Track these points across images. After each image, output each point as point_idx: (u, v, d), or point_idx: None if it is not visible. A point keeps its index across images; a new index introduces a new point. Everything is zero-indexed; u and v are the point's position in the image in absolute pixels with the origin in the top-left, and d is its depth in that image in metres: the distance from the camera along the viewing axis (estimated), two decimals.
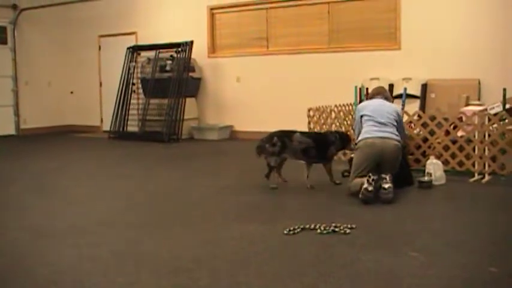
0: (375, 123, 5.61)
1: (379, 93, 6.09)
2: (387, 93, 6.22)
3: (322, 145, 6.03)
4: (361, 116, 5.79)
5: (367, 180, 5.09)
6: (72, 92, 14.14)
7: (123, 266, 3.53)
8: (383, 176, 5.14)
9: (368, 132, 5.59)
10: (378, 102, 5.89)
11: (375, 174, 5.14)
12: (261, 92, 11.18)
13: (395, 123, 5.66)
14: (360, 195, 5.09)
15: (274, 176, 6.11)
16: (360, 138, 5.65)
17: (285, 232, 4.15)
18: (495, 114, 6.32)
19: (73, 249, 3.90)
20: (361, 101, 7.79)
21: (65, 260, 3.69)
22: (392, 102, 6.29)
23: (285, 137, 6.00)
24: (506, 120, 6.21)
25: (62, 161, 8.59)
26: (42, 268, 3.54)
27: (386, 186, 5.09)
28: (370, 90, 7.67)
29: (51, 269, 3.51)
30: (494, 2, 8.92)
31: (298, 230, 4.21)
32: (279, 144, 5.94)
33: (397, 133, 5.60)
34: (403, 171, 5.87)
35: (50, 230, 4.48)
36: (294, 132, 6.11)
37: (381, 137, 5.48)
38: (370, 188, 5.06)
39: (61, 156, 9.29)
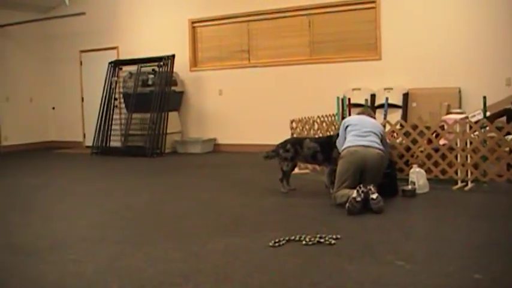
0: (358, 133, 5.65)
1: (363, 112, 6.24)
2: (371, 113, 6.38)
3: (327, 148, 6.20)
4: (346, 128, 5.84)
5: (357, 191, 5.09)
6: (54, 108, 14.06)
7: (108, 283, 3.49)
8: (368, 187, 5.15)
9: (351, 141, 5.62)
10: (362, 116, 6.02)
11: (365, 186, 5.15)
12: (244, 105, 11.20)
13: (379, 135, 5.70)
14: (348, 204, 5.09)
15: (285, 182, 6.42)
16: (343, 147, 5.67)
17: (270, 244, 4.14)
18: (476, 122, 6.37)
19: (56, 266, 3.85)
20: (343, 111, 7.83)
21: (48, 278, 3.64)
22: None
23: (297, 144, 6.37)
24: (487, 128, 6.27)
25: (45, 178, 8.50)
26: (25, 286, 3.49)
27: (374, 196, 5.09)
28: (352, 101, 7.76)
29: (34, 287, 3.46)
30: (473, 11, 9.04)
31: (284, 241, 4.20)
32: (292, 151, 6.30)
33: (379, 142, 5.63)
34: (391, 182, 5.90)
35: (33, 247, 4.42)
36: (304, 138, 6.54)
37: (363, 146, 5.51)
38: (358, 199, 5.06)
39: (44, 172, 9.21)
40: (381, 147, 5.61)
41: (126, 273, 3.65)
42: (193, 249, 4.17)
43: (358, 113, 6.25)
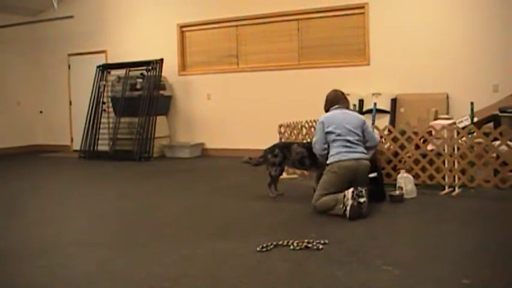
0: (345, 143, 5.57)
1: (338, 101, 5.95)
2: (346, 99, 6.06)
3: (314, 153, 6.09)
4: (326, 132, 5.69)
5: (352, 197, 5.09)
6: (41, 112, 13.99)
7: (97, 287, 3.48)
8: (360, 188, 5.16)
9: (340, 153, 5.54)
10: (341, 116, 5.77)
11: (357, 189, 5.16)
12: (232, 109, 11.20)
13: (362, 137, 5.69)
14: (349, 212, 5.07)
15: (273, 187, 6.43)
16: (332, 160, 5.56)
17: (258, 249, 4.13)
18: (463, 128, 6.40)
19: (45, 271, 3.82)
20: None
21: (36, 282, 3.61)
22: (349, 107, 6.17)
23: (285, 148, 6.37)
24: (475, 134, 6.31)
25: (33, 181, 8.45)
26: None
27: (361, 200, 5.10)
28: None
29: None
30: (460, 17, 9.10)
31: (271, 246, 4.20)
32: (280, 155, 6.30)
33: (365, 150, 5.66)
34: (378, 187, 5.91)
35: (21, 251, 4.38)
36: (292, 143, 6.52)
37: (354, 159, 5.49)
38: (355, 203, 5.08)
39: (31, 176, 9.15)
40: (367, 156, 5.65)
41: (116, 277, 3.64)
42: (183, 253, 4.16)
43: (332, 103, 5.95)
